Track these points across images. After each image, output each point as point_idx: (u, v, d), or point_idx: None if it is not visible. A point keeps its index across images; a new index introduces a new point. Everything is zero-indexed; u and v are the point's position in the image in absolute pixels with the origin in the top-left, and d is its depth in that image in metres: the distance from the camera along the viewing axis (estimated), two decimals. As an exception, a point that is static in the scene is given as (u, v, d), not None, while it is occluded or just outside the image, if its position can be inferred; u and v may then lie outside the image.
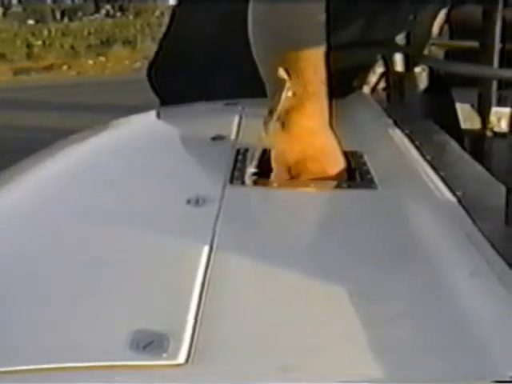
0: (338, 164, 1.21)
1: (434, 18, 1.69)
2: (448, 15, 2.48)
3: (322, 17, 1.22)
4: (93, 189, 1.20)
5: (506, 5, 2.20)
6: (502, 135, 1.76)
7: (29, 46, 12.81)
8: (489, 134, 2.03)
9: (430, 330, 0.77)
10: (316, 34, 1.23)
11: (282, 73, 1.20)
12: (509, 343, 0.74)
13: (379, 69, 1.86)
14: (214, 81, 1.92)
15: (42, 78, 10.87)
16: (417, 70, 1.69)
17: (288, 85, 1.19)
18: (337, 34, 1.78)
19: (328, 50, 1.23)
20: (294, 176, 1.19)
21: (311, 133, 1.22)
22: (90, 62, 11.79)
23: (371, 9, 1.79)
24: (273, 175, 1.20)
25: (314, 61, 1.22)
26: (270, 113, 1.21)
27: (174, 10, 1.99)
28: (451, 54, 2.54)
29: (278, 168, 1.20)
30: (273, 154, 1.22)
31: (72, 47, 12.65)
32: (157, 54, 2.01)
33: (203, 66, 1.93)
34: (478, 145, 1.98)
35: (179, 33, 1.95)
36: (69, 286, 0.87)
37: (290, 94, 1.20)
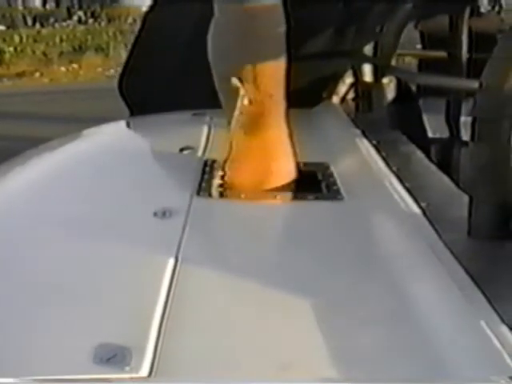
0: (288, 175, 1.21)
1: (402, 29, 1.71)
2: (416, 26, 2.51)
3: (281, 29, 1.22)
4: (58, 199, 1.20)
5: (472, 15, 2.23)
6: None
7: (0, 52, 12.72)
8: (457, 143, 2.05)
9: (399, 334, 0.79)
10: (274, 46, 1.23)
11: (235, 81, 1.20)
12: (467, 348, 0.76)
13: (348, 79, 1.87)
14: (184, 91, 1.93)
15: (15, 84, 10.80)
16: (385, 80, 1.71)
17: (242, 93, 1.19)
18: (307, 44, 1.79)
19: (288, 62, 1.23)
20: (246, 183, 1.20)
21: (267, 143, 1.22)
22: (63, 68, 11.72)
23: (340, 20, 1.80)
24: (230, 182, 1.20)
25: (272, 72, 1.22)
26: (229, 123, 1.22)
27: (145, 19, 1.99)
28: (425, 64, 2.58)
29: (234, 175, 1.21)
30: (233, 162, 1.23)
31: (44, 54, 12.57)
32: (126, 64, 2.01)
33: (173, 76, 1.94)
34: (446, 154, 2.00)
35: (149, 43, 1.95)
36: (31, 299, 0.86)
37: (245, 101, 1.20)
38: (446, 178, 1.26)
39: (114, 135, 1.74)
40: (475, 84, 1.03)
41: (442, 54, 2.11)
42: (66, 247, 1.00)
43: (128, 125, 1.80)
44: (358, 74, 1.77)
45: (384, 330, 0.80)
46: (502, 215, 1.00)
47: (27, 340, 0.78)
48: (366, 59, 1.72)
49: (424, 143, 1.70)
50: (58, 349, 0.76)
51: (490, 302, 0.81)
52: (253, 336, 0.79)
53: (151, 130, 1.68)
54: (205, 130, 1.54)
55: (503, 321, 0.77)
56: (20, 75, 11.51)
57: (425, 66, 2.57)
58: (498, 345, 0.74)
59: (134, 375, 0.71)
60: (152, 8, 1.98)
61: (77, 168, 1.39)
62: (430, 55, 2.23)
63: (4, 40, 13.52)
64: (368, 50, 1.72)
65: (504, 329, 0.76)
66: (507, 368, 0.71)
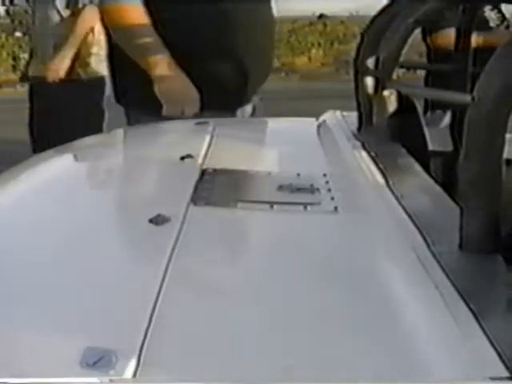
0: None
1: (404, 41, 1.71)
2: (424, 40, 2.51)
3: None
4: (57, 205, 1.22)
5: (479, 29, 2.24)
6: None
7: (15, 58, 12.78)
8: (459, 156, 2.05)
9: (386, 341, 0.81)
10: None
11: None
12: (445, 354, 0.78)
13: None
14: None
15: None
16: (386, 93, 1.72)
17: None
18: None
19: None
20: None
21: None
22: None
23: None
24: None
25: None
26: None
27: None
28: (431, 78, 2.58)
29: None
30: None
31: (58, 60, 12.62)
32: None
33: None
34: (447, 167, 2.00)
35: None
36: (20, 301, 0.88)
37: None
38: (442, 191, 1.27)
39: (117, 142, 1.76)
40: (468, 98, 1.03)
41: (446, 67, 2.12)
42: (59, 252, 1.02)
43: (130, 133, 1.81)
44: (359, 86, 1.78)
45: (370, 336, 0.82)
46: (492, 228, 1.01)
47: (12, 342, 0.79)
48: (368, 71, 1.73)
49: (424, 156, 1.70)
50: (43, 352, 0.77)
51: (474, 314, 0.82)
52: (239, 341, 0.80)
53: (153, 138, 1.70)
54: (207, 138, 1.55)
55: (486, 334, 0.78)
56: (33, 81, 11.53)
57: (431, 79, 2.58)
58: (475, 352, 0.76)
59: (118, 377, 0.72)
60: None
61: (76, 175, 1.41)
62: (432, 68, 2.24)
63: (20, 46, 13.57)
64: (370, 62, 1.72)
65: (484, 341, 0.77)
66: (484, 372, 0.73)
